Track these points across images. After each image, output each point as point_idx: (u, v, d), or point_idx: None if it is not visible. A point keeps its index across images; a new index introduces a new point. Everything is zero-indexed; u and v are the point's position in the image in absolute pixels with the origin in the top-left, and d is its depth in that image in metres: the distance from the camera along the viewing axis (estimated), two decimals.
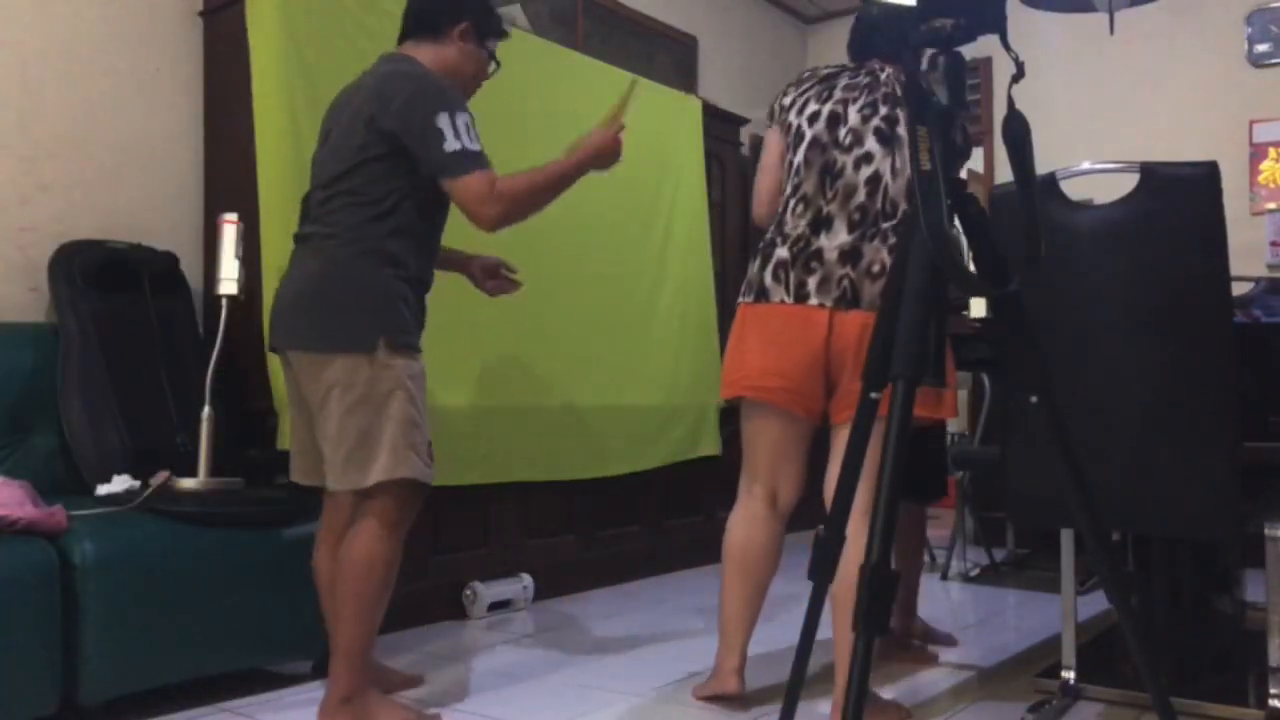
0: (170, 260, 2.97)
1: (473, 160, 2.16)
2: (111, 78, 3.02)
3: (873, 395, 1.62)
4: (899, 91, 2.27)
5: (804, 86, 2.37)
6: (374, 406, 2.15)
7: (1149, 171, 2.05)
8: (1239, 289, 2.66)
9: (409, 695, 2.47)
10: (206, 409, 2.60)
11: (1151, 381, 2.05)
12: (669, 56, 5.07)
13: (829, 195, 2.24)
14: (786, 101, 2.38)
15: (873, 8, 1.57)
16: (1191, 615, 2.63)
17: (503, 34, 2.48)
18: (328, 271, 2.21)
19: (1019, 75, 1.48)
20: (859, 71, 2.36)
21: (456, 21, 2.34)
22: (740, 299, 2.35)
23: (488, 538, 3.46)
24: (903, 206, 2.19)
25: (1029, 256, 1.53)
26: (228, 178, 3.14)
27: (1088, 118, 5.10)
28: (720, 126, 4.88)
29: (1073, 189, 2.16)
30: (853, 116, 2.27)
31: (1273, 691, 2.22)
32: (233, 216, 2.73)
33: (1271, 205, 4.74)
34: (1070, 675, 2.48)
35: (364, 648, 2.17)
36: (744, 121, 5.07)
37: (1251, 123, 4.78)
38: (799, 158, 2.30)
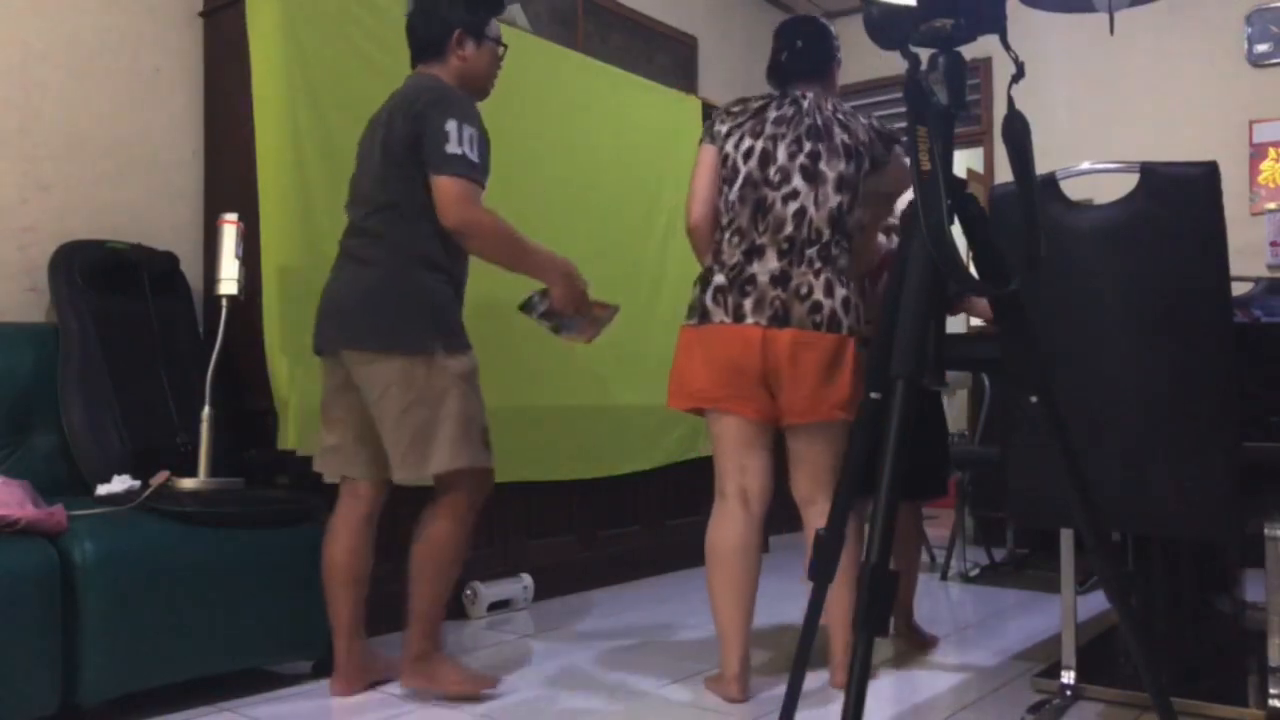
0: (170, 260, 2.97)
1: (465, 166, 2.32)
2: (111, 78, 3.02)
3: (873, 395, 1.62)
4: (819, 120, 2.50)
5: (739, 119, 2.56)
6: (430, 405, 2.35)
7: (1149, 172, 2.05)
8: (1239, 289, 2.66)
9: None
10: (206, 409, 2.60)
11: (1151, 381, 2.05)
12: (669, 56, 5.07)
13: (760, 229, 2.47)
14: (723, 130, 2.57)
15: (873, 8, 1.57)
16: (1191, 615, 2.63)
17: (494, 10, 2.62)
18: (382, 278, 2.39)
19: (1019, 75, 1.48)
20: (784, 101, 2.55)
21: (449, 35, 2.50)
22: (684, 322, 2.55)
23: (488, 538, 3.46)
24: (825, 233, 2.44)
25: (1029, 257, 1.53)
26: (228, 178, 3.14)
27: (1088, 118, 5.10)
28: None
29: (1073, 189, 2.16)
30: (781, 154, 2.49)
31: (1273, 691, 2.22)
32: (233, 216, 2.73)
33: (1271, 205, 4.74)
34: (1070, 675, 2.48)
35: (437, 615, 2.46)
36: None
37: (1251, 123, 4.78)
38: (734, 194, 2.51)
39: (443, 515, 2.44)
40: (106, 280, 2.80)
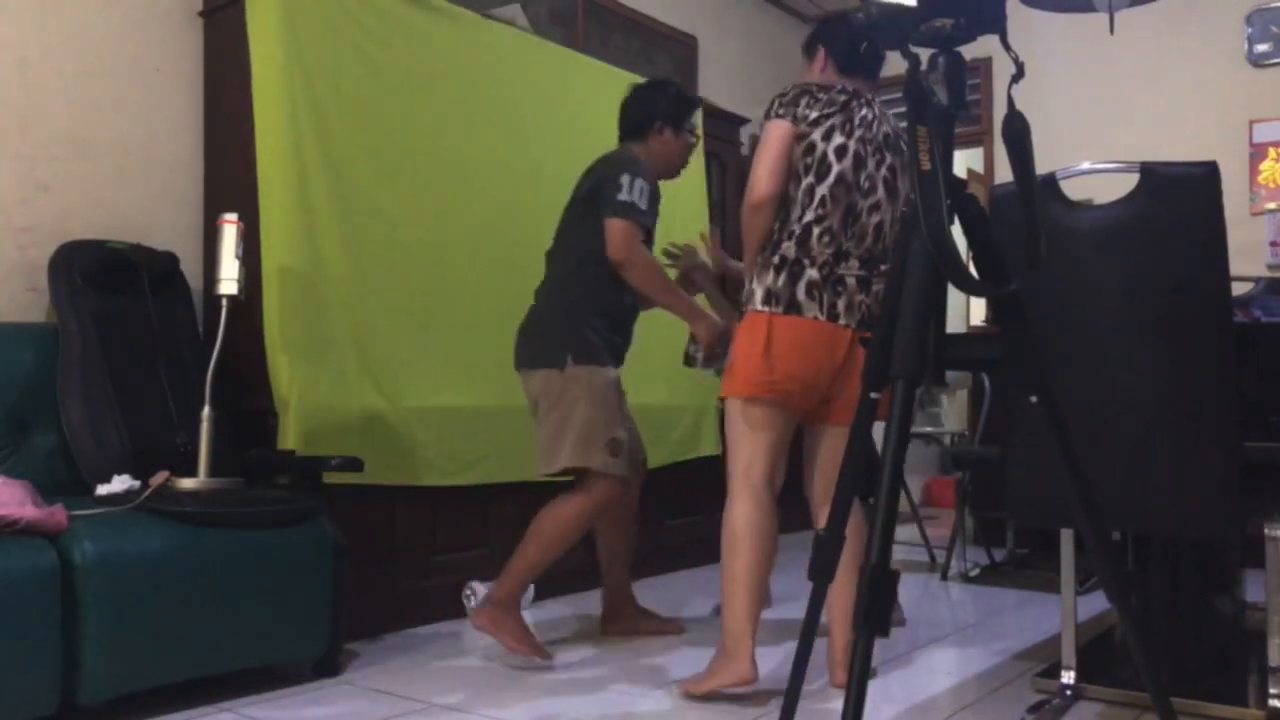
0: (170, 260, 2.96)
1: (634, 212, 2.74)
2: (112, 78, 3.02)
3: (873, 395, 1.62)
4: (891, 129, 2.55)
5: (828, 110, 2.48)
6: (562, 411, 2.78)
7: (1149, 171, 2.05)
8: (1239, 289, 2.66)
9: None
10: (206, 409, 2.60)
11: (1151, 381, 2.05)
12: (669, 56, 5.07)
13: (849, 234, 2.47)
14: (810, 115, 2.47)
15: (872, 8, 1.57)
16: (1191, 615, 2.63)
17: (693, 108, 3.08)
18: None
19: (1019, 75, 1.48)
20: (862, 102, 2.53)
21: (652, 125, 2.97)
22: (762, 307, 2.45)
23: (488, 538, 3.46)
24: (892, 251, 2.42)
25: (1029, 256, 1.53)
26: (228, 178, 3.14)
27: (1088, 118, 5.10)
28: (720, 126, 4.87)
29: (1073, 189, 2.16)
30: (870, 162, 2.50)
31: (1273, 691, 2.22)
32: (233, 216, 2.73)
33: (1271, 205, 4.74)
34: (1070, 675, 2.48)
35: (524, 576, 2.82)
36: (744, 121, 5.07)
37: (1251, 123, 4.78)
38: (826, 190, 2.46)
39: (571, 503, 2.80)
40: (106, 280, 2.80)
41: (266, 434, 2.89)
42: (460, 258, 3.47)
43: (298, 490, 2.74)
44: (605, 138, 4.16)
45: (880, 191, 2.50)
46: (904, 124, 2.49)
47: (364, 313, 3.16)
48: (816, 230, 2.46)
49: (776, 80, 5.09)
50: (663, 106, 2.98)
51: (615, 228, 2.73)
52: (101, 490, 2.44)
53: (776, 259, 2.47)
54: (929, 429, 5.48)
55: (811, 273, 2.44)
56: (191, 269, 3.08)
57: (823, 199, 2.46)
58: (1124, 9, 2.66)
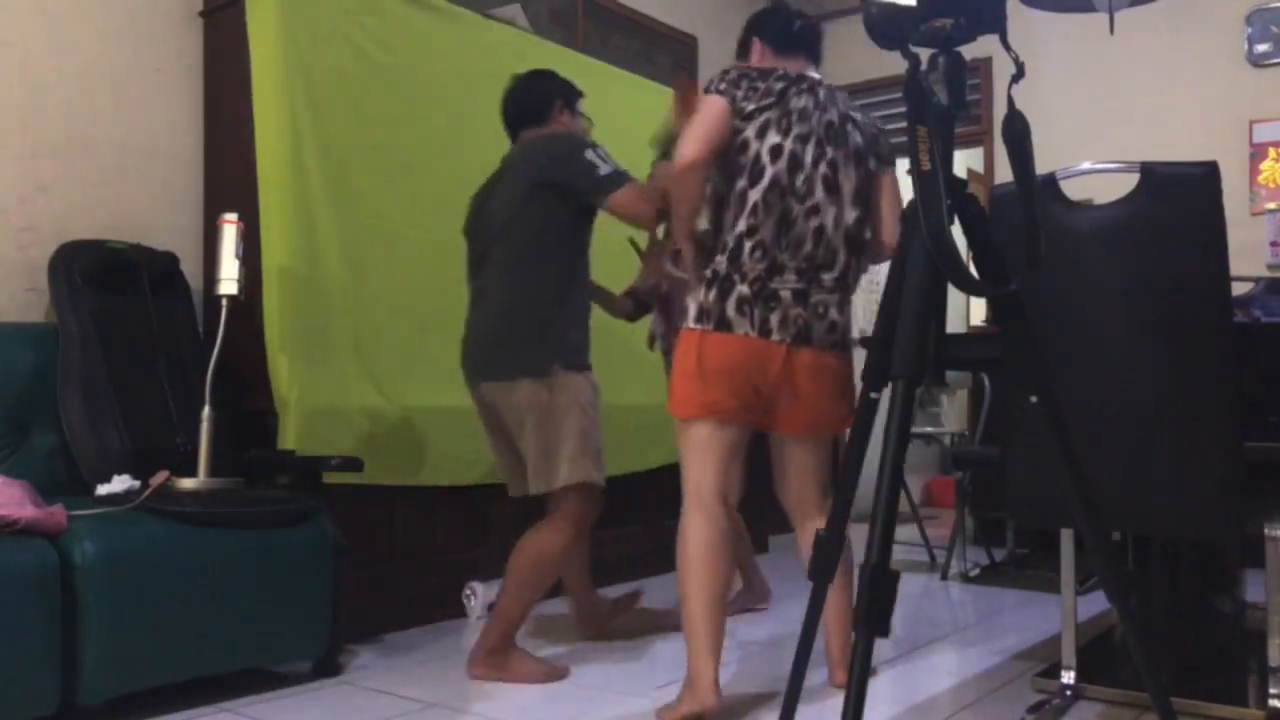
0: (170, 260, 2.96)
1: (623, 176, 2.62)
2: (112, 78, 3.02)
3: (872, 395, 1.62)
4: (835, 117, 2.40)
5: (762, 100, 2.37)
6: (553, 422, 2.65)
7: (1149, 171, 2.05)
8: (1239, 289, 2.66)
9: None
10: (206, 409, 2.60)
11: (1151, 381, 2.05)
12: (669, 56, 5.07)
13: (783, 245, 2.36)
14: (748, 107, 2.36)
15: (872, 8, 1.57)
16: (1191, 615, 2.63)
17: (581, 94, 2.93)
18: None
19: (1019, 75, 1.48)
20: (801, 87, 2.40)
21: (552, 105, 2.82)
22: (694, 325, 2.38)
23: (488, 538, 3.46)
24: (841, 255, 2.39)
25: (1029, 256, 1.53)
26: (228, 178, 3.14)
27: (1088, 118, 5.10)
28: None
29: (1073, 189, 2.16)
30: (807, 161, 2.37)
31: (1273, 691, 2.22)
32: (233, 216, 2.73)
33: (1271, 205, 4.74)
34: (1070, 675, 2.48)
35: (519, 615, 2.65)
36: None
37: (1251, 123, 4.78)
38: (759, 196, 2.34)
39: (551, 525, 2.69)
40: (106, 280, 2.80)
41: (266, 434, 2.89)
42: (460, 258, 3.47)
43: (298, 490, 2.74)
44: (605, 138, 4.16)
45: (819, 193, 2.36)
46: (854, 106, 2.48)
47: (364, 313, 3.16)
48: (748, 244, 2.35)
49: None
50: (557, 86, 2.86)
51: (622, 199, 2.60)
52: (101, 490, 2.44)
53: (709, 273, 2.38)
54: (929, 429, 5.48)
55: (742, 288, 2.34)
56: (191, 269, 3.08)
57: (754, 206, 2.35)
58: (1124, 9, 2.66)
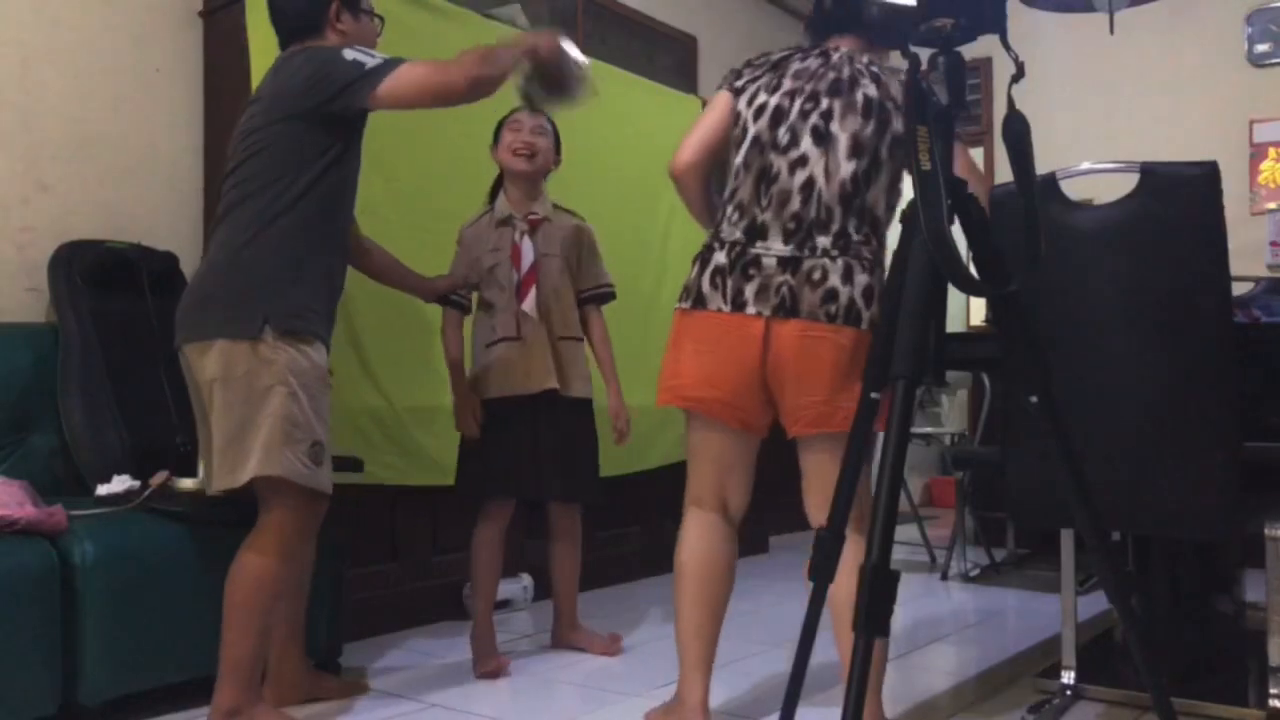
0: (170, 260, 2.96)
1: (394, 61, 2.11)
2: (112, 78, 3.02)
3: (873, 395, 1.62)
4: (846, 74, 2.11)
5: (757, 71, 2.19)
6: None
7: (1149, 171, 2.05)
8: (1239, 289, 2.66)
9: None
10: None
11: (1151, 381, 2.05)
12: (669, 56, 5.06)
13: (763, 203, 2.08)
14: (740, 84, 2.19)
15: (873, 8, 1.57)
16: (1191, 615, 2.64)
17: None
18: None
19: (1019, 75, 1.48)
20: (810, 53, 2.18)
21: (326, 10, 2.25)
22: (678, 304, 2.17)
23: None
24: (837, 214, 2.04)
25: (1029, 257, 1.53)
26: None
27: (1088, 118, 5.10)
28: None
29: (1073, 189, 2.16)
30: (793, 113, 2.09)
31: (1273, 691, 2.22)
32: None
33: (1271, 205, 4.74)
34: (1070, 675, 2.48)
35: (252, 662, 2.08)
36: None
37: (1251, 123, 4.78)
38: (740, 159, 2.14)
39: (258, 543, 2.13)
40: (106, 280, 2.80)
41: None
42: None
43: None
44: (605, 137, 4.16)
45: (806, 143, 2.06)
46: (890, 67, 2.18)
47: (364, 313, 3.16)
48: (729, 208, 2.12)
49: None
50: None
51: (404, 75, 2.08)
52: (101, 490, 2.44)
53: (701, 248, 2.19)
54: (929, 429, 5.48)
55: (719, 256, 2.09)
56: (191, 269, 3.07)
57: (736, 170, 2.12)
58: (1124, 9, 2.66)
